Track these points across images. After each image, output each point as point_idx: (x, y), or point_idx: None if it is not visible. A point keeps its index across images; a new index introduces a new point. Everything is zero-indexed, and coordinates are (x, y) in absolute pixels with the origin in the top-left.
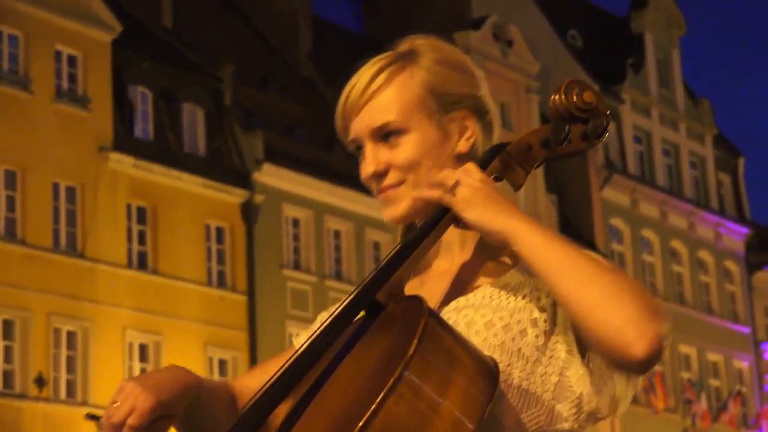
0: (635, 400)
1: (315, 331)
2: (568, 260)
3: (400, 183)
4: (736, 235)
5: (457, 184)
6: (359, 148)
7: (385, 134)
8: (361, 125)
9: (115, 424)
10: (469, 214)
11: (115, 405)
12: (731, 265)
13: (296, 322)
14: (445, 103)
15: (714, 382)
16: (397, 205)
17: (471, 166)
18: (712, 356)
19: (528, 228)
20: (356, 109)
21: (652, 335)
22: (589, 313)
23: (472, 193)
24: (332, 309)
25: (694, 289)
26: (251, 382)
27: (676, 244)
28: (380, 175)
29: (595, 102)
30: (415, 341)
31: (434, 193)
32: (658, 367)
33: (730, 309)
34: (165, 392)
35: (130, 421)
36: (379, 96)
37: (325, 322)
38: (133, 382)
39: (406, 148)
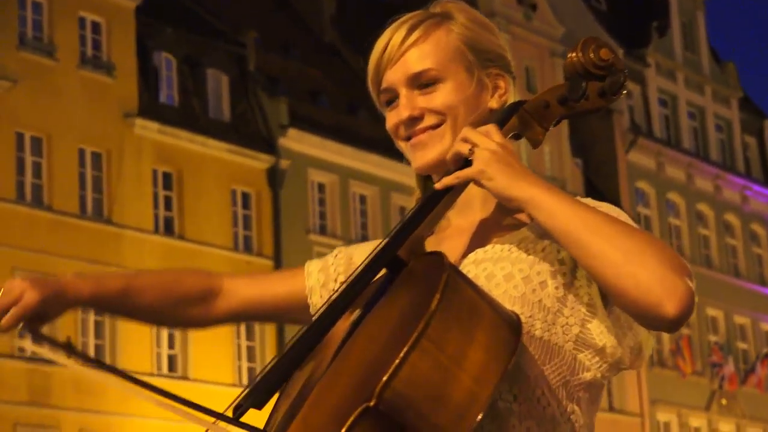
0: (663, 364)
1: (337, 289)
2: (588, 224)
3: (437, 126)
4: (762, 198)
5: (476, 145)
6: (390, 101)
7: (422, 82)
8: (397, 74)
9: None
10: (487, 180)
11: None
12: (758, 228)
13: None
14: (482, 58)
15: (741, 345)
16: (431, 149)
17: (491, 128)
18: (740, 319)
19: (545, 195)
20: (393, 60)
21: (682, 293)
22: (615, 276)
23: (490, 157)
24: (350, 248)
25: (720, 252)
26: (246, 288)
27: (703, 207)
28: (414, 120)
29: (612, 59)
30: (437, 296)
31: (460, 147)
32: (685, 330)
33: (757, 272)
34: (51, 296)
35: (14, 310)
36: (418, 46)
37: (347, 279)
38: (22, 280)
39: (442, 94)
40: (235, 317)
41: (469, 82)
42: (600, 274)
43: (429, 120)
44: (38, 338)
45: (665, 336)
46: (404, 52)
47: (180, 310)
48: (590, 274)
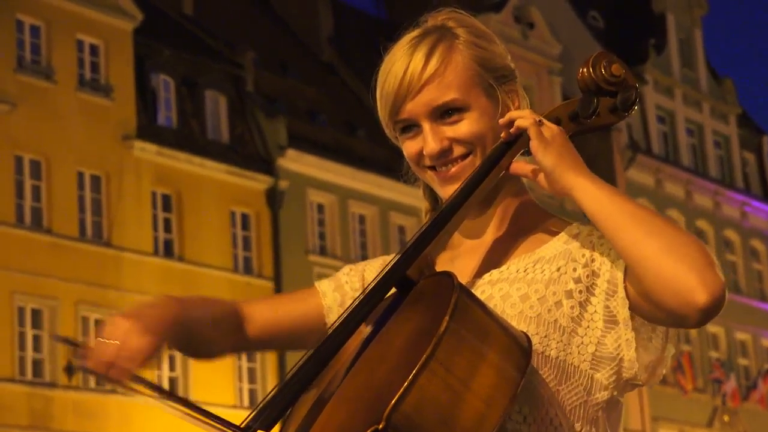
0: (664, 381)
1: (347, 309)
2: (633, 213)
3: (466, 155)
4: (762, 214)
5: (541, 122)
6: (406, 128)
7: (445, 112)
8: (419, 105)
9: (107, 363)
10: (545, 158)
11: (106, 341)
12: (758, 244)
13: None
14: (498, 76)
15: (743, 361)
16: (463, 180)
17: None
18: (740, 335)
19: (595, 185)
20: (413, 91)
21: (716, 285)
22: (654, 259)
23: (553, 137)
24: (358, 265)
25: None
26: (264, 312)
27: (702, 224)
28: (444, 152)
29: (624, 75)
30: (447, 318)
31: (524, 122)
32: (686, 347)
33: (758, 287)
34: (159, 333)
35: (126, 363)
36: (440, 76)
37: (357, 299)
38: (128, 321)
39: (469, 123)
40: (258, 343)
41: (490, 106)
42: (638, 257)
43: (458, 151)
44: (138, 382)
45: None
46: (425, 83)
47: (222, 336)
48: (626, 258)
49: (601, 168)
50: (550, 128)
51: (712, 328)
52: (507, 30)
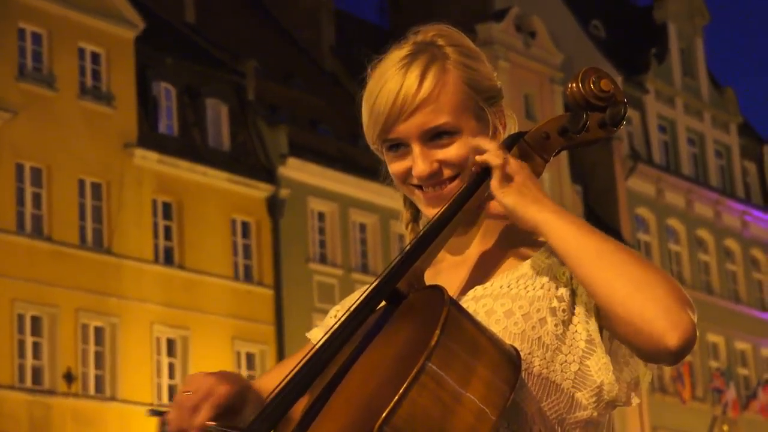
0: (663, 390)
1: (337, 321)
2: (598, 251)
3: (455, 177)
4: (762, 223)
5: (506, 162)
6: (395, 146)
7: (436, 134)
8: (411, 127)
9: (191, 407)
10: (506, 198)
11: (186, 393)
12: (758, 254)
13: (323, 316)
14: (486, 98)
15: (742, 371)
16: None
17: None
18: (740, 345)
19: (559, 220)
20: (406, 112)
21: (686, 325)
22: (621, 304)
23: (514, 174)
24: (345, 302)
25: (721, 278)
26: (271, 383)
27: (703, 233)
28: (434, 175)
29: (613, 90)
30: (438, 331)
31: (492, 159)
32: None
33: (758, 297)
34: (235, 383)
35: (212, 401)
36: (434, 99)
37: (347, 311)
38: (202, 374)
39: (458, 146)
40: None
41: (480, 129)
42: (606, 301)
43: (447, 173)
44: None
45: None
46: (419, 105)
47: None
48: (595, 300)
49: (602, 177)
50: (512, 165)
51: (712, 337)
52: (509, 39)
